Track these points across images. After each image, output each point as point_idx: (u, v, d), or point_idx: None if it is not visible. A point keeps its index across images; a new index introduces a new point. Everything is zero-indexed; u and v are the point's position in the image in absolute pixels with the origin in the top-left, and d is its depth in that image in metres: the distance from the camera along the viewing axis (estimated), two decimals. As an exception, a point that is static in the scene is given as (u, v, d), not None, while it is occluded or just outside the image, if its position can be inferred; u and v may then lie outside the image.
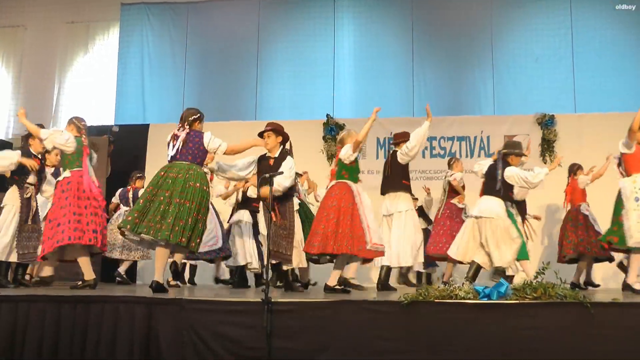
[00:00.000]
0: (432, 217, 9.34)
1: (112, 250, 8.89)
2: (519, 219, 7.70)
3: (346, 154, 6.69)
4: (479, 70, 11.20)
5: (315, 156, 10.47)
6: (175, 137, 6.30)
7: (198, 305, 4.88)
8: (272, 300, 4.61)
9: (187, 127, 6.35)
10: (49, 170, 7.67)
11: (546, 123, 10.19)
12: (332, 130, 10.62)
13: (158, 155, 10.27)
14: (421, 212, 9.34)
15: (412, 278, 9.37)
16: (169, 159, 6.19)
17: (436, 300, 4.56)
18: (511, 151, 7.01)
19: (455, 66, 11.31)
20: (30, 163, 7.00)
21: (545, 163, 10.02)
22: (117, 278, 9.16)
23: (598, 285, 8.55)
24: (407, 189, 7.35)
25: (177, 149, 6.19)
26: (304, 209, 7.81)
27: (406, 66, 11.32)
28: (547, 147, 10.10)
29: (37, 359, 5.00)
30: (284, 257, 6.42)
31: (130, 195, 9.24)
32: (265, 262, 5.94)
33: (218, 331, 4.73)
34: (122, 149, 10.59)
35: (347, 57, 11.58)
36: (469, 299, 4.54)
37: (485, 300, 4.51)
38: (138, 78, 12.05)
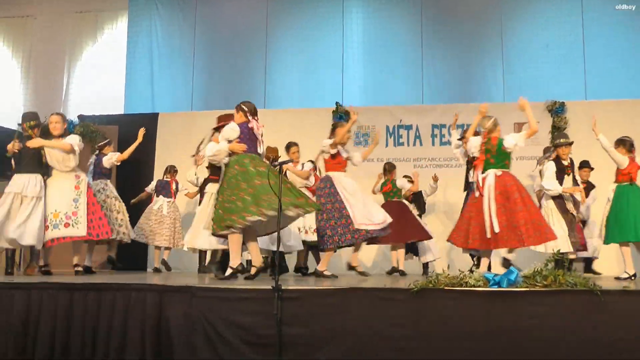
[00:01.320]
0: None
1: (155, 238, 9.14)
2: None
3: (325, 146, 7.07)
4: (489, 57, 11.16)
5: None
6: (252, 129, 6.36)
7: (209, 292, 4.91)
8: (283, 287, 4.63)
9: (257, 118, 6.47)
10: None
11: (556, 110, 10.13)
12: (341, 118, 10.59)
13: (167, 143, 10.33)
14: (416, 198, 9.31)
15: None
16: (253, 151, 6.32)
17: (446, 288, 4.56)
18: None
19: (465, 53, 11.26)
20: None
21: (555, 151, 9.99)
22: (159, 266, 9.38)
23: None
24: None
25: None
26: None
27: (415, 53, 11.28)
28: (558, 134, 10.04)
29: (50, 346, 5.04)
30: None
31: (174, 187, 9.41)
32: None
33: (229, 318, 4.75)
34: (132, 137, 10.59)
35: (356, 44, 11.54)
36: (479, 286, 4.54)
37: (495, 288, 4.50)
38: (147, 67, 12.06)
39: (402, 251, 8.89)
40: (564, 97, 10.27)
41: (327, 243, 6.86)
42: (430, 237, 8.82)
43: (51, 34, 12.30)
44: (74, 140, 7.26)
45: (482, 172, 6.44)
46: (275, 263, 6.85)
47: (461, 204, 8.10)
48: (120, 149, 10.47)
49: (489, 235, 6.13)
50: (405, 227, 8.53)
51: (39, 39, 12.36)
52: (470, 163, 7.59)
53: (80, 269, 7.53)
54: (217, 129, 6.74)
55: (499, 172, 6.37)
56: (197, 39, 12.05)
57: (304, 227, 7.83)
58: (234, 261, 6.12)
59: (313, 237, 7.63)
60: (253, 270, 6.13)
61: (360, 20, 11.67)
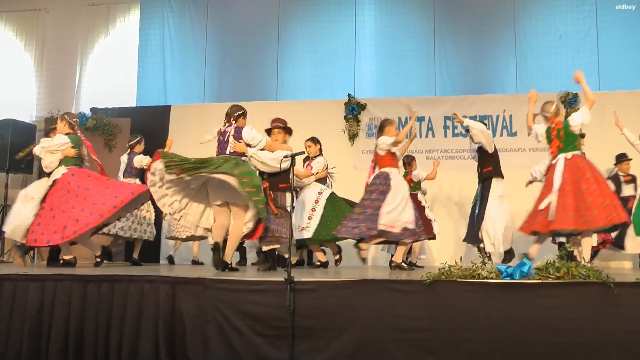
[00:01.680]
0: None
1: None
2: None
3: (385, 143, 7.05)
4: (501, 48, 11.08)
5: (337, 136, 10.46)
6: (223, 133, 6.73)
7: (221, 284, 4.94)
8: (295, 279, 4.65)
9: (234, 122, 6.77)
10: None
11: (569, 101, 10.05)
12: (354, 109, 10.60)
13: (179, 136, 10.32)
14: None
15: None
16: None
17: (458, 280, 4.57)
18: None
19: (477, 44, 11.19)
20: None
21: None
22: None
23: None
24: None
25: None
26: (334, 198, 8.14)
27: (427, 45, 11.23)
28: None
29: (64, 336, 5.10)
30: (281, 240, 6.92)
31: None
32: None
33: (241, 310, 4.78)
34: (144, 130, 10.64)
35: (368, 36, 11.50)
36: (492, 278, 4.54)
37: (507, 280, 4.50)
38: (159, 60, 12.07)
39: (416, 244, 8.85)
40: (577, 88, 10.13)
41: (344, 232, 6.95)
42: (434, 237, 8.67)
43: (64, 27, 12.34)
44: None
45: (554, 159, 6.44)
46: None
47: (472, 196, 8.06)
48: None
49: (551, 217, 6.06)
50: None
51: (52, 32, 12.40)
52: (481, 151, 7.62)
53: (98, 259, 7.58)
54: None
55: (568, 155, 6.34)
56: (209, 30, 12.05)
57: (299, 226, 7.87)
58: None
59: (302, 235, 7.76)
60: None
61: (373, 11, 11.62)
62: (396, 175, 7.08)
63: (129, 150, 8.77)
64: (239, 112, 6.80)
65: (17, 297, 5.30)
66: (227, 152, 6.56)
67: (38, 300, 5.24)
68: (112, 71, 12.14)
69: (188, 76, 11.98)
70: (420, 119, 10.51)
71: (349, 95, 10.72)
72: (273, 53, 11.70)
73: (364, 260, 7.18)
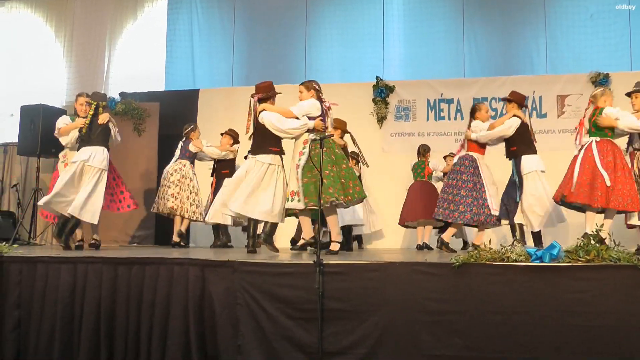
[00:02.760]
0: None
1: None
2: None
3: (478, 128, 7.29)
4: (531, 28, 10.92)
5: (365, 118, 10.43)
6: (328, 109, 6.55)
7: (250, 267, 4.97)
8: (324, 262, 4.66)
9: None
10: None
11: (600, 82, 9.88)
12: (382, 92, 10.54)
13: (208, 120, 10.40)
14: None
15: None
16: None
17: (487, 263, 4.55)
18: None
19: (507, 25, 11.04)
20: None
21: (598, 123, 9.79)
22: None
23: None
24: None
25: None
26: None
27: (456, 26, 11.10)
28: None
29: (96, 317, 5.18)
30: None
31: None
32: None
33: (271, 292, 4.81)
34: (173, 114, 10.71)
35: (397, 18, 11.41)
36: (521, 261, 4.51)
37: (537, 263, 4.47)
38: (187, 43, 12.10)
39: (429, 228, 8.82)
40: (608, 69, 10.03)
41: (457, 217, 7.06)
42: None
43: (92, 13, 12.41)
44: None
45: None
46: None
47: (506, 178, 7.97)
48: (162, 125, 10.66)
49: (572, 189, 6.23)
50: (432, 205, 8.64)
51: (81, 18, 12.48)
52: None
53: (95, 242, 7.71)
54: (262, 100, 6.68)
55: (597, 138, 6.41)
56: (237, 14, 12.04)
57: None
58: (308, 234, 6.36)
59: None
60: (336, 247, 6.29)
61: (400, -7, 11.54)
62: (483, 161, 7.27)
63: (184, 138, 9.13)
64: None
65: (50, 279, 5.39)
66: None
67: (70, 282, 5.33)
68: (141, 56, 12.19)
69: (216, 60, 12.00)
70: (449, 101, 10.44)
71: (377, 77, 10.67)
72: (301, 36, 11.67)
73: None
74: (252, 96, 6.67)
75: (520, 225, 7.05)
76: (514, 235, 7.10)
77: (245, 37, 11.96)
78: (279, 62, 11.64)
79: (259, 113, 6.51)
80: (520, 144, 6.99)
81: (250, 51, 11.88)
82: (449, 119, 10.35)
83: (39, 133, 9.90)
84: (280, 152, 6.58)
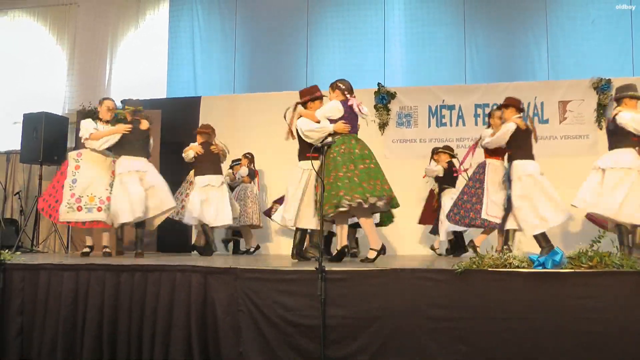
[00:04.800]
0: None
1: None
2: None
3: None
4: (533, 34, 10.92)
5: (367, 125, 10.40)
6: (352, 108, 6.40)
7: (252, 274, 4.96)
8: (326, 269, 4.66)
9: (354, 96, 6.50)
10: None
11: (602, 88, 9.90)
12: (384, 98, 10.54)
13: (210, 127, 10.37)
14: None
15: None
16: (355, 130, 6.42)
17: (490, 269, 4.54)
18: (624, 94, 6.81)
19: (508, 31, 11.05)
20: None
21: (600, 129, 9.78)
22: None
23: None
24: None
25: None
26: None
27: (458, 32, 11.11)
28: (603, 112, 9.83)
29: (98, 325, 5.18)
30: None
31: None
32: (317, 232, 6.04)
33: (273, 299, 4.81)
34: (175, 121, 10.72)
35: (398, 24, 11.42)
36: (523, 267, 4.50)
37: (539, 269, 4.46)
38: (189, 51, 12.13)
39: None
40: (610, 74, 10.03)
41: (458, 221, 7.32)
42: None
43: (94, 21, 12.44)
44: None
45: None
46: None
47: None
48: (163, 132, 10.66)
49: None
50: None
51: (83, 26, 12.50)
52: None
53: (108, 250, 7.71)
54: (303, 104, 6.69)
55: None
56: (238, 21, 12.07)
57: None
58: (375, 243, 6.15)
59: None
60: (372, 254, 6.12)
61: (402, -1, 11.56)
62: (492, 166, 7.34)
63: None
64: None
65: (52, 285, 5.40)
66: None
67: (72, 289, 5.34)
68: (142, 63, 12.23)
69: (218, 67, 12.02)
70: (451, 107, 10.44)
71: (378, 84, 10.68)
72: (302, 42, 11.69)
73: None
74: (297, 103, 6.72)
75: (514, 231, 7.04)
76: (505, 242, 7.10)
77: (247, 43, 11.98)
78: (280, 69, 11.66)
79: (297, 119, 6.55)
80: (515, 148, 6.99)
81: (252, 58, 11.91)
82: (451, 125, 10.34)
83: (42, 141, 9.92)
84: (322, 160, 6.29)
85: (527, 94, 10.19)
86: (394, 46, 11.36)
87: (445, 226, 8.44)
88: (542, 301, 4.39)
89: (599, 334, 4.27)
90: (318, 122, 6.35)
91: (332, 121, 6.28)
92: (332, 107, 6.32)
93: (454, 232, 8.56)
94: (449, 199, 8.43)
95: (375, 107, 10.56)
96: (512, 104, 7.13)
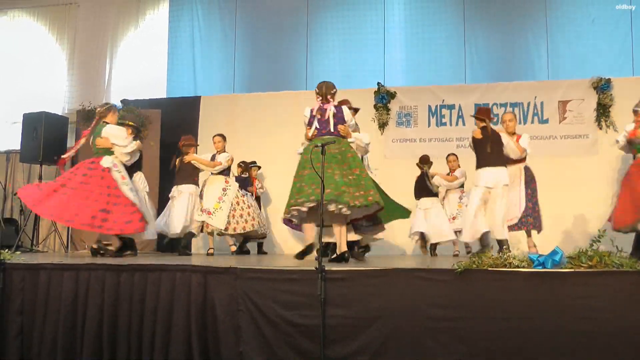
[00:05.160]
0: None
1: None
2: None
3: None
4: (532, 34, 10.93)
5: (367, 125, 10.42)
6: (322, 110, 6.30)
7: (252, 274, 4.96)
8: (326, 268, 4.66)
9: (332, 100, 6.39)
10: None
11: (602, 87, 9.91)
12: (383, 98, 10.55)
13: (210, 127, 10.41)
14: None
15: None
16: (313, 133, 6.29)
17: (489, 269, 4.54)
18: None
19: (508, 30, 11.06)
20: None
21: (600, 129, 9.80)
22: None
23: None
24: None
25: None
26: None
27: (457, 32, 11.12)
28: (603, 112, 9.85)
29: (98, 324, 5.18)
30: None
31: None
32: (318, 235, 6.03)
33: (273, 299, 4.80)
34: (174, 121, 10.73)
35: (398, 24, 11.43)
36: (523, 267, 4.50)
37: (539, 269, 4.46)
38: (189, 51, 12.14)
39: None
40: (610, 74, 10.04)
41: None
42: None
43: (94, 21, 12.44)
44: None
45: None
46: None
47: None
48: (163, 133, 10.66)
49: None
50: None
51: (83, 26, 12.51)
52: None
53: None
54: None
55: None
56: (238, 21, 12.07)
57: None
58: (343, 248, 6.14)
59: None
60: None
61: (402, -1, 11.57)
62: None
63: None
64: (334, 91, 6.45)
65: (52, 285, 5.40)
66: (328, 131, 6.26)
67: (72, 289, 5.33)
68: (142, 63, 12.23)
69: (217, 67, 12.03)
70: (451, 107, 10.45)
71: (378, 83, 10.69)
72: (302, 42, 11.69)
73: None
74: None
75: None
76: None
77: (247, 44, 11.99)
78: (280, 69, 11.67)
79: None
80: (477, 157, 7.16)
81: (252, 58, 11.91)
82: (451, 124, 10.36)
83: (41, 140, 9.92)
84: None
85: (526, 93, 10.22)
86: (393, 46, 11.36)
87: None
88: (542, 301, 4.38)
89: (598, 333, 4.26)
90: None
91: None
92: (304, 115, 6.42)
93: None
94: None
95: (375, 106, 10.57)
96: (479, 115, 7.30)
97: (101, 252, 7.06)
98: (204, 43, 12.15)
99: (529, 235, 7.66)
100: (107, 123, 7.36)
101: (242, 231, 8.63)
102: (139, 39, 12.43)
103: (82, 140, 7.46)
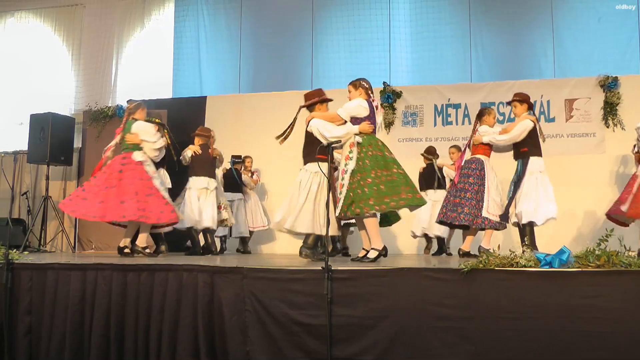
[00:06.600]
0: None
1: None
2: None
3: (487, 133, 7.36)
4: (539, 32, 10.89)
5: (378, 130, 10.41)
6: (374, 107, 6.23)
7: (259, 273, 4.96)
8: (332, 268, 4.66)
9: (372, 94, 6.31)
10: None
11: (609, 85, 9.86)
12: (389, 98, 10.54)
13: (216, 126, 10.39)
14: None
15: None
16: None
17: (496, 268, 4.53)
18: None
19: (514, 29, 11.01)
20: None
21: (607, 127, 9.77)
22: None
23: None
24: None
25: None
26: None
27: (463, 31, 11.09)
28: (610, 110, 9.81)
29: (106, 324, 5.20)
30: None
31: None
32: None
33: (280, 299, 4.81)
34: (180, 121, 10.73)
35: (403, 23, 11.40)
36: (530, 266, 4.49)
37: (546, 268, 4.45)
38: (194, 51, 12.14)
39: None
40: (617, 72, 9.99)
41: (455, 218, 7.32)
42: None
43: (100, 22, 12.46)
44: None
45: None
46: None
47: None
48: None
49: None
50: None
51: (88, 27, 12.54)
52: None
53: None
54: (308, 107, 6.62)
55: None
56: (243, 21, 12.07)
57: None
58: (378, 243, 6.01)
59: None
60: (373, 254, 6.00)
61: (407, -2, 11.55)
62: (489, 164, 7.37)
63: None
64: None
65: (60, 285, 5.42)
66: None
67: (80, 289, 5.35)
68: (148, 63, 12.25)
69: (223, 67, 12.04)
70: (457, 106, 10.43)
71: (384, 83, 10.67)
72: (307, 42, 11.69)
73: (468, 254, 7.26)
74: (302, 106, 6.62)
75: (524, 226, 7.04)
76: (522, 240, 7.09)
77: (252, 43, 11.99)
78: (285, 68, 11.67)
79: (308, 121, 6.37)
80: (530, 145, 6.99)
81: (257, 58, 11.91)
82: (457, 124, 10.34)
83: (49, 141, 9.96)
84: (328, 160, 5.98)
85: (533, 92, 10.11)
86: (399, 45, 11.34)
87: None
88: (549, 300, 4.36)
89: (606, 333, 4.24)
90: (342, 121, 6.16)
91: (355, 120, 6.13)
92: (358, 105, 6.10)
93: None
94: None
95: (380, 106, 10.52)
96: (526, 100, 7.15)
97: (133, 253, 7.23)
98: (210, 43, 12.16)
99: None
100: (136, 119, 7.49)
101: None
102: (145, 40, 12.44)
103: (117, 138, 7.53)
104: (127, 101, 11.22)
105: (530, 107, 7.16)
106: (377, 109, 6.21)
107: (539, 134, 7.02)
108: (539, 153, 7.00)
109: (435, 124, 10.48)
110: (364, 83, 6.21)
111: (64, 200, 7.61)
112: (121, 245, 7.29)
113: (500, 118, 9.78)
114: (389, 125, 10.50)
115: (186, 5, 12.28)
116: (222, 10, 12.21)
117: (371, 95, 6.20)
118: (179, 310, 5.04)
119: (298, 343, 4.72)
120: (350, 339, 4.64)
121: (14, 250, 5.97)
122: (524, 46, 10.97)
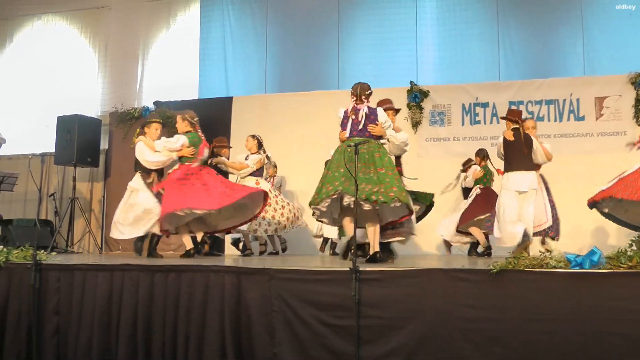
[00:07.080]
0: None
1: None
2: None
3: None
4: (568, 29, 10.73)
5: (400, 124, 10.32)
6: (355, 111, 6.32)
7: (286, 274, 4.95)
8: (360, 269, 4.62)
9: (366, 101, 6.40)
10: None
11: (640, 83, 9.73)
12: (416, 97, 10.46)
13: (242, 127, 10.43)
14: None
15: None
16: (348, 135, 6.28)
17: (526, 269, 4.47)
18: None
19: (542, 26, 10.87)
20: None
21: (639, 125, 9.60)
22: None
23: None
24: None
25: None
26: None
27: (491, 29, 10.97)
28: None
29: (133, 325, 5.21)
30: None
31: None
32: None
33: (307, 300, 4.79)
34: (207, 122, 10.74)
35: (430, 21, 11.32)
36: (560, 267, 4.42)
37: (577, 270, 4.37)
38: (220, 52, 12.16)
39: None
40: (648, 69, 9.84)
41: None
42: None
43: (126, 24, 12.54)
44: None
45: None
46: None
47: None
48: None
49: None
50: None
51: (114, 29, 12.62)
52: None
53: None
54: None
55: None
56: (269, 21, 12.07)
57: None
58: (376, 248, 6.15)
59: None
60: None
61: (434, -4, 11.46)
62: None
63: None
64: (369, 92, 6.45)
65: (87, 285, 5.45)
66: (360, 131, 6.26)
67: (107, 290, 5.37)
68: (174, 64, 12.30)
69: (249, 67, 12.04)
70: (485, 105, 10.33)
71: (411, 82, 10.60)
72: (334, 41, 11.65)
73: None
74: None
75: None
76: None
77: (278, 43, 11.98)
78: (312, 68, 11.64)
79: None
80: (505, 162, 7.17)
81: (283, 58, 11.90)
82: (485, 123, 10.23)
83: (75, 142, 10.04)
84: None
85: (562, 90, 10.05)
86: (426, 44, 11.26)
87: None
88: (580, 302, 4.30)
89: (638, 335, 4.16)
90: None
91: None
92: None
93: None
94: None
95: (408, 105, 10.48)
96: (508, 118, 7.24)
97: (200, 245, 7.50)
98: (236, 43, 12.17)
99: (543, 242, 7.60)
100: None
101: (272, 232, 8.64)
102: (171, 40, 12.51)
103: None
104: (154, 102, 11.33)
105: (517, 122, 7.10)
106: (356, 111, 6.31)
107: (521, 148, 6.97)
108: (516, 168, 6.96)
109: (463, 124, 10.39)
110: (351, 89, 6.48)
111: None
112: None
113: (529, 117, 9.64)
114: (416, 124, 10.42)
115: (212, 5, 12.31)
116: (248, 10, 12.22)
117: (354, 98, 6.41)
118: (206, 311, 5.04)
119: (325, 344, 4.70)
120: (377, 341, 4.60)
121: (42, 251, 6.00)
122: (552, 43, 10.82)
